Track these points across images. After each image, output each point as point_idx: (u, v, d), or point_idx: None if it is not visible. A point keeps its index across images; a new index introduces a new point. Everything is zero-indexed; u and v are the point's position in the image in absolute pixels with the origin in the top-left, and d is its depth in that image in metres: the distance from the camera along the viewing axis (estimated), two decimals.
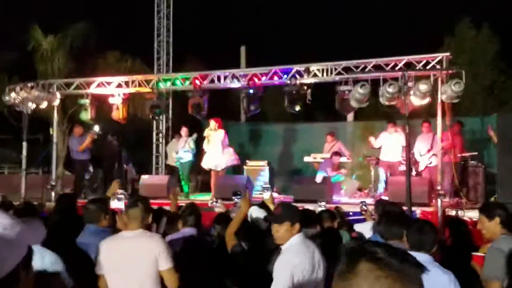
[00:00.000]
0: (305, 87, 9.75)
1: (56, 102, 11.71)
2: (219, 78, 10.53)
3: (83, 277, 3.39)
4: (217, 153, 10.53)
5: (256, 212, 4.83)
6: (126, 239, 3.46)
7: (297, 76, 9.78)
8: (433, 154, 10.13)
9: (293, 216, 3.34)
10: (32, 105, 11.39)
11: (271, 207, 5.00)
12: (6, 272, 1.12)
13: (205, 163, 10.78)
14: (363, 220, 6.62)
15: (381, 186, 10.66)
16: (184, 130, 11.50)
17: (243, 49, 18.28)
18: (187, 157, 11.30)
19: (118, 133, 11.81)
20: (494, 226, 3.55)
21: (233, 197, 5.49)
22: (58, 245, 3.72)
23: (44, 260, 3.58)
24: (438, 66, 8.98)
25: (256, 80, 10.09)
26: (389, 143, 10.61)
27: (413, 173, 10.23)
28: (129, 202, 3.73)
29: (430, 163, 10.30)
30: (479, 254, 3.70)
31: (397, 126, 10.68)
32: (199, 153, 11.21)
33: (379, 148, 10.84)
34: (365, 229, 5.39)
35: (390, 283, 1.14)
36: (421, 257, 3.13)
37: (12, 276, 1.14)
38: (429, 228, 3.33)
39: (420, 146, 10.45)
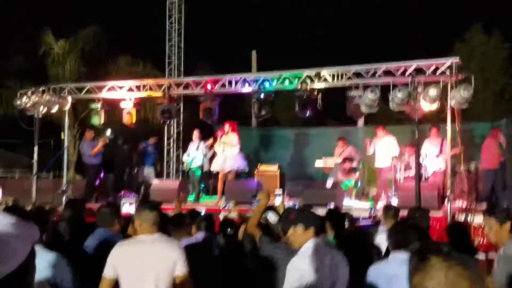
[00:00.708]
0: (316, 92, 9.80)
1: (67, 107, 11.76)
2: (230, 83, 10.59)
3: (89, 280, 3.39)
4: (226, 156, 10.59)
5: (273, 217, 4.89)
6: (144, 242, 3.42)
7: (308, 80, 9.83)
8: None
9: (307, 219, 3.30)
10: (43, 109, 11.47)
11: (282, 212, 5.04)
12: (17, 264, 1.19)
13: (214, 166, 10.86)
14: (372, 225, 6.63)
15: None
16: (195, 134, 11.49)
17: (254, 54, 18.35)
18: (198, 162, 11.32)
19: (129, 137, 11.88)
20: (504, 231, 3.50)
21: (252, 201, 5.53)
22: (65, 248, 3.80)
23: (49, 261, 3.63)
24: (447, 72, 8.99)
25: (266, 84, 10.14)
26: (379, 148, 10.62)
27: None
28: (146, 206, 3.67)
29: (439, 168, 10.29)
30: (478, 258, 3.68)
31: (386, 130, 10.70)
32: (211, 157, 11.26)
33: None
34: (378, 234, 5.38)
35: (460, 270, 1.42)
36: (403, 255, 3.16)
37: (22, 270, 1.20)
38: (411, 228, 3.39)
39: (428, 150, 10.42)
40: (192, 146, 11.43)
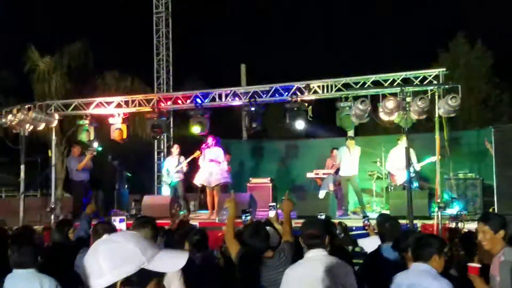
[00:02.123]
0: (306, 104, 9.85)
1: (54, 124, 11.65)
2: (220, 96, 10.60)
3: None
4: (209, 169, 10.54)
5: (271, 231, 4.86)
6: None
7: (298, 93, 9.88)
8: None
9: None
10: (29, 127, 11.32)
11: (276, 225, 5.01)
12: None
13: (197, 179, 10.79)
14: (367, 235, 6.63)
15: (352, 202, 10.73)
16: (175, 147, 11.46)
17: (243, 67, 18.41)
18: (179, 177, 11.23)
19: (118, 153, 11.78)
20: (499, 238, 3.54)
21: (242, 215, 5.49)
22: (56, 270, 3.74)
23: (43, 286, 3.58)
24: (435, 81, 9.13)
25: (257, 97, 10.17)
26: (347, 157, 10.68)
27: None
28: (137, 223, 3.67)
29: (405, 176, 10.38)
30: (474, 265, 3.70)
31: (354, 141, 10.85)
32: (193, 170, 11.19)
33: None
34: (369, 243, 5.40)
35: None
36: (422, 266, 3.25)
37: None
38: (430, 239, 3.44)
39: (396, 160, 10.42)
40: (171, 162, 11.36)
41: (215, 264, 4.54)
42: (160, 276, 1.43)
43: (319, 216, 6.68)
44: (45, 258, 4.38)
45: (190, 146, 11.74)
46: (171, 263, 1.42)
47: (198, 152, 10.84)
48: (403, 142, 10.29)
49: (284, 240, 4.05)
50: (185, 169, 11.15)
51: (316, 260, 3.33)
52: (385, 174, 11.27)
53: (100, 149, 11.40)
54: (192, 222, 8.32)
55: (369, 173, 11.87)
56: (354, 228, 7.98)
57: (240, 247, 3.94)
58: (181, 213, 11.32)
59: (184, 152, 11.43)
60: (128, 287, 1.37)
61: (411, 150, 10.50)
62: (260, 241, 3.88)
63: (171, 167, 11.24)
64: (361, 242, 5.78)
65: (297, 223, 4.65)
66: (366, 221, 6.90)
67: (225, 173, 10.71)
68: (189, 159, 11.09)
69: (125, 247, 1.39)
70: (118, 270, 1.36)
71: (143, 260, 1.38)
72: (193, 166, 11.14)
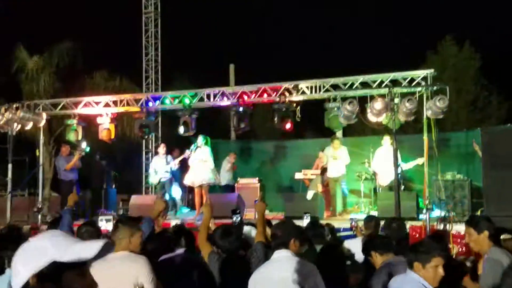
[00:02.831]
0: (294, 104, 9.86)
1: (42, 123, 11.59)
2: (208, 96, 10.58)
3: None
4: (195, 170, 10.52)
5: (252, 231, 4.85)
6: (108, 261, 3.42)
7: (286, 93, 9.89)
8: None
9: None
10: (17, 126, 11.27)
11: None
12: None
13: (186, 179, 10.78)
14: (354, 236, 6.64)
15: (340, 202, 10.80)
16: (161, 147, 11.43)
17: (232, 67, 18.40)
18: (167, 176, 11.21)
19: (106, 153, 11.72)
20: (483, 239, 3.64)
21: (232, 216, 5.47)
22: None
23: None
24: (423, 83, 9.17)
25: (245, 97, 10.17)
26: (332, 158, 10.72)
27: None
28: (118, 222, 3.69)
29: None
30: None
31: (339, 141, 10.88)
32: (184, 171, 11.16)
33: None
34: (355, 245, 5.40)
35: None
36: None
37: None
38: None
39: (379, 160, 10.47)
40: (159, 161, 11.32)
41: (198, 263, 4.50)
42: (78, 267, 1.47)
43: (304, 217, 6.69)
44: None
45: (179, 146, 11.71)
46: (80, 252, 1.45)
47: (188, 152, 10.80)
48: (385, 141, 10.38)
49: (258, 241, 4.10)
50: (174, 168, 11.12)
51: (279, 261, 3.37)
52: (372, 175, 11.30)
53: (88, 149, 11.34)
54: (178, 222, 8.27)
55: (357, 174, 11.89)
56: (341, 229, 7.99)
57: (212, 248, 4.02)
58: (170, 213, 11.34)
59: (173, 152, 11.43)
60: (42, 280, 1.42)
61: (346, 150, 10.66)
62: (230, 243, 3.97)
63: (159, 167, 11.20)
64: (348, 243, 5.79)
65: None
66: (353, 223, 6.92)
67: (210, 173, 10.61)
68: (179, 159, 11.05)
69: (36, 244, 1.47)
70: (30, 265, 1.42)
71: (54, 253, 1.42)
72: (184, 166, 11.12)
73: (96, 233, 4.36)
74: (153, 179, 11.46)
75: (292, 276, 3.22)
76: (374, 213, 9.63)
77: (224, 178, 11.82)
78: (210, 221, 4.66)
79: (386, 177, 10.28)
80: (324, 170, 11.12)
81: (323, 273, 3.38)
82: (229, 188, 11.66)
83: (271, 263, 3.43)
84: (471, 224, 3.74)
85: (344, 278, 4.03)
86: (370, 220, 5.79)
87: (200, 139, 10.52)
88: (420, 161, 9.83)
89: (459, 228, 7.92)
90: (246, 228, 5.16)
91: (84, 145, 11.28)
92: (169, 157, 11.23)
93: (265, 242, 4.07)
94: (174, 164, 11.13)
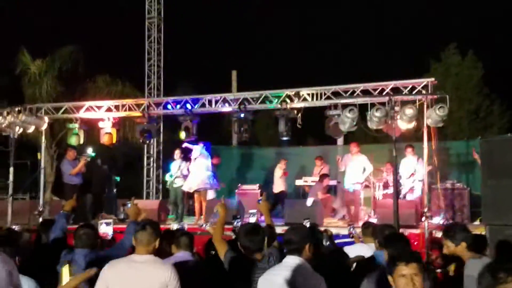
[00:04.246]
0: (296, 111, 9.89)
1: (44, 127, 11.60)
2: (210, 102, 10.63)
3: None
4: (194, 175, 10.58)
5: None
6: (136, 263, 3.43)
7: (288, 100, 9.92)
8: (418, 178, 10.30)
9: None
10: (19, 130, 11.28)
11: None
12: None
13: (184, 185, 10.86)
14: (352, 243, 6.66)
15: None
16: (176, 153, 11.48)
17: (234, 74, 18.46)
18: (179, 182, 11.27)
19: (108, 157, 11.74)
20: (461, 250, 3.57)
21: (233, 220, 5.50)
22: (39, 272, 3.73)
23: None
24: (423, 91, 9.18)
25: (246, 104, 10.20)
26: (352, 165, 10.74)
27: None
28: (138, 226, 3.69)
29: (413, 187, 10.46)
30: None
31: (359, 148, 10.89)
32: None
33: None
34: (354, 252, 5.42)
35: None
36: None
37: None
38: None
39: (403, 170, 10.55)
40: (174, 166, 11.42)
41: (198, 267, 4.51)
42: None
43: (304, 223, 6.71)
44: (27, 259, 4.36)
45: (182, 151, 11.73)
46: None
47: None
48: (409, 152, 10.49)
49: (272, 245, 4.05)
50: (184, 173, 11.15)
51: (289, 267, 3.32)
52: (373, 182, 11.31)
53: (93, 155, 11.34)
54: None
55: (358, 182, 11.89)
56: (341, 235, 8.01)
57: (228, 247, 3.94)
58: (169, 217, 11.40)
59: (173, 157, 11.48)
60: None
61: (365, 158, 10.66)
62: (255, 242, 3.78)
63: (174, 172, 11.31)
64: (346, 250, 5.81)
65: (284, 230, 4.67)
66: (351, 229, 6.94)
67: (207, 180, 10.65)
68: (188, 164, 11.10)
69: None
70: None
71: None
72: None
73: (94, 236, 4.38)
74: (169, 184, 11.50)
75: (297, 285, 3.19)
76: (374, 220, 9.63)
77: (278, 185, 11.87)
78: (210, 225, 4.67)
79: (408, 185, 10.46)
80: (322, 176, 11.13)
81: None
82: (284, 195, 11.68)
83: (281, 268, 3.37)
84: (447, 236, 3.64)
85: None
86: (367, 227, 5.84)
87: (198, 148, 10.64)
88: (431, 168, 9.83)
89: None
90: None
91: (90, 150, 11.28)
92: (183, 163, 11.28)
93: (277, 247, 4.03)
94: (185, 168, 11.18)
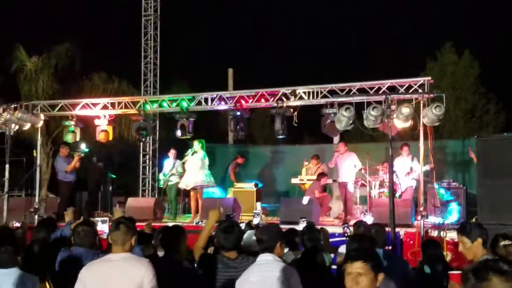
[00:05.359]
0: (292, 110, 9.89)
1: (40, 124, 11.59)
2: (206, 100, 10.61)
3: None
4: (191, 173, 10.58)
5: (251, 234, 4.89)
6: (112, 262, 3.42)
7: (284, 98, 9.92)
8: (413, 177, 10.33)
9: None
10: (15, 127, 11.26)
11: None
12: None
13: (181, 183, 10.87)
14: (346, 241, 6.67)
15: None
16: (172, 152, 11.49)
17: (230, 72, 18.44)
18: (174, 179, 11.26)
19: (103, 155, 11.70)
20: (477, 247, 3.58)
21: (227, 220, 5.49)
22: (39, 270, 3.73)
23: (26, 285, 3.58)
24: (420, 90, 9.20)
25: (243, 102, 10.19)
26: (343, 163, 10.83)
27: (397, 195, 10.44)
28: (112, 225, 3.66)
29: (410, 186, 10.49)
30: (457, 272, 3.72)
31: (346, 147, 11.02)
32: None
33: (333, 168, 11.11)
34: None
35: None
36: None
37: None
38: None
39: (399, 168, 10.54)
40: (167, 164, 11.40)
41: (180, 263, 4.47)
42: None
43: (300, 222, 6.72)
44: (26, 256, 4.36)
45: (176, 149, 11.72)
46: None
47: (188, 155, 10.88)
48: (404, 151, 10.51)
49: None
50: (177, 172, 11.15)
51: (262, 264, 3.48)
52: (369, 181, 11.32)
53: (87, 150, 11.33)
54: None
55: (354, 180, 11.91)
56: (336, 234, 8.02)
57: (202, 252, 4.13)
58: (166, 215, 11.40)
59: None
60: None
61: (355, 156, 10.70)
62: (228, 241, 3.88)
63: (167, 170, 11.30)
64: (342, 249, 5.82)
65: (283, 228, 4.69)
66: (345, 228, 6.96)
67: (203, 177, 10.65)
68: (181, 163, 11.09)
69: None
70: None
71: None
72: None
73: (92, 233, 4.37)
74: (163, 182, 11.49)
75: (272, 278, 3.32)
76: (371, 219, 9.65)
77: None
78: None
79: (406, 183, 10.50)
80: (319, 175, 11.15)
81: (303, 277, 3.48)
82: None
83: (255, 267, 3.51)
84: (464, 232, 3.67)
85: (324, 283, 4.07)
86: (359, 226, 5.88)
87: (196, 144, 10.60)
88: (426, 167, 9.84)
89: (453, 235, 7.94)
90: (248, 233, 5.14)
91: (83, 146, 11.27)
92: (177, 161, 11.27)
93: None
94: (180, 166, 11.17)
